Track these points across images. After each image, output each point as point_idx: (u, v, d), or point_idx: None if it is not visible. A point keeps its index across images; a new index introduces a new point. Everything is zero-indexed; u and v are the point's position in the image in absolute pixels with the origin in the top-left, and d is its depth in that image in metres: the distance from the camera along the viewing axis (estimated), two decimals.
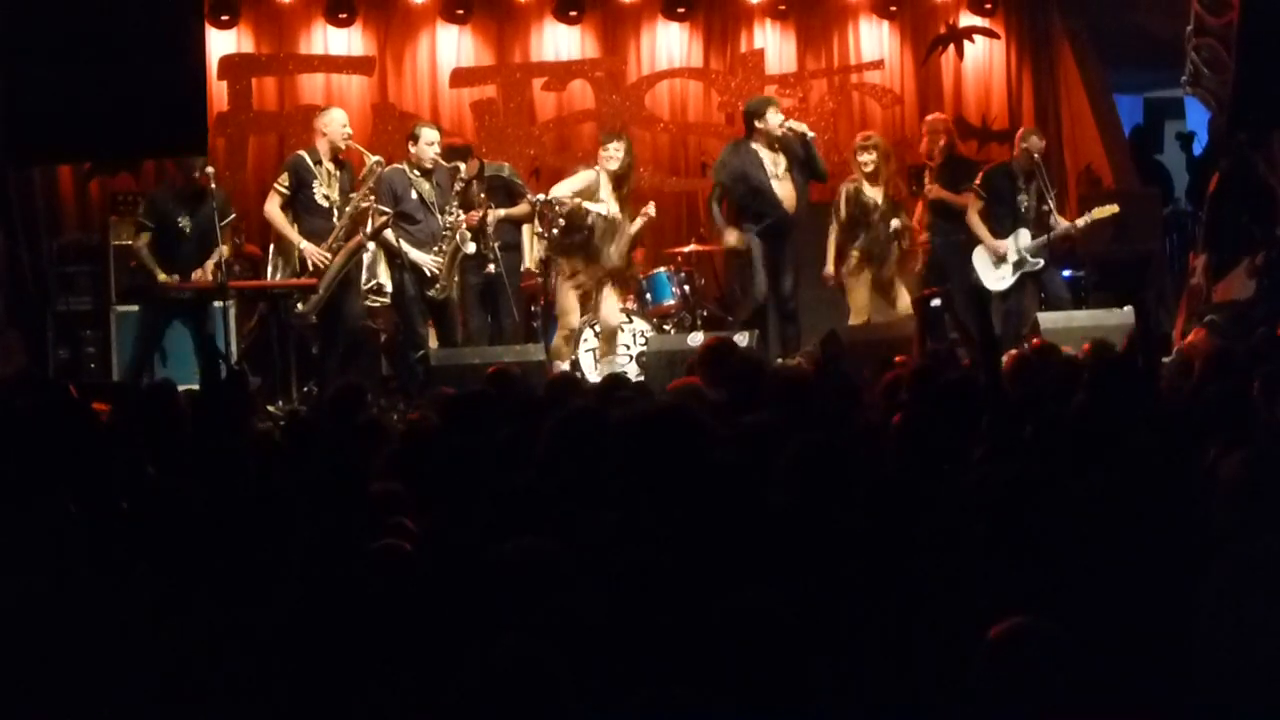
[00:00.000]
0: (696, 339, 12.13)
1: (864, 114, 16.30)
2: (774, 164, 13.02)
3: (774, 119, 12.98)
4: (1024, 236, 13.37)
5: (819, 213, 13.99)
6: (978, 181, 13.77)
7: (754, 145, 13.06)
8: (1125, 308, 13.11)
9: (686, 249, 14.12)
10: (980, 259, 13.57)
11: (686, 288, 13.69)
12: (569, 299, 12.67)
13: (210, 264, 12.01)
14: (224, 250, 12.02)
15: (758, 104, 13.36)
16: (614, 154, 12.66)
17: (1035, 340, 12.41)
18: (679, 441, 5.47)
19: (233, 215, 12.29)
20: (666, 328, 13.50)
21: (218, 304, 12.34)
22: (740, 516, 5.02)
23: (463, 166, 12.51)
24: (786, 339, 13.03)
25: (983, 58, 16.63)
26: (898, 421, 6.51)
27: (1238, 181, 13.67)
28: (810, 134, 13.11)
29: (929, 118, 14.47)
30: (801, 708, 3.70)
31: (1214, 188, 13.75)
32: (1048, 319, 12.81)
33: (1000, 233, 13.47)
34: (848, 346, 11.42)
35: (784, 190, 13.02)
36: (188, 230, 12.02)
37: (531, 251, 13.27)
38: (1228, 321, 12.72)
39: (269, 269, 13.00)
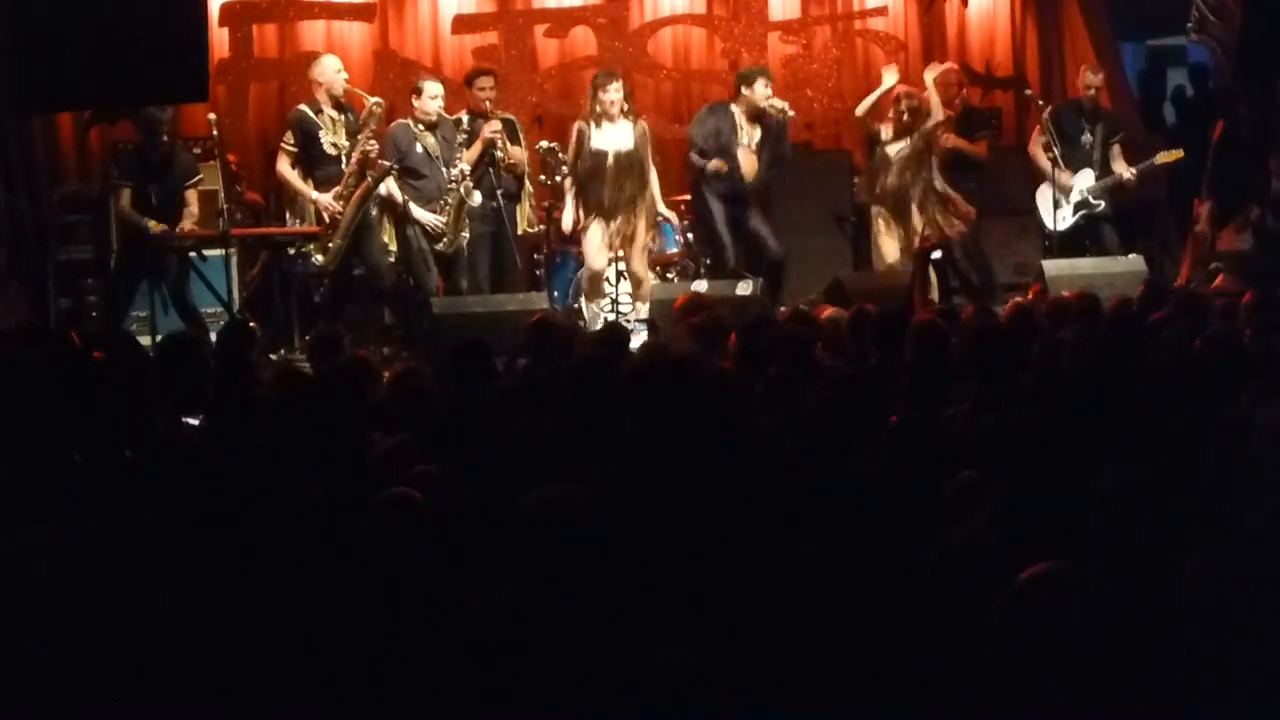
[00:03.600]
0: (700, 287, 12.12)
1: (868, 61, 16.19)
2: (748, 134, 13.01)
3: (760, 90, 12.94)
4: (1086, 176, 13.31)
5: (830, 159, 14.02)
6: (1047, 114, 13.73)
7: (734, 109, 13.04)
8: (1131, 255, 13.10)
9: (689, 197, 14.06)
10: (1043, 198, 13.56)
11: (690, 236, 13.65)
12: (593, 239, 12.58)
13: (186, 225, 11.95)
14: (194, 210, 11.98)
15: (751, 73, 13.34)
16: (615, 95, 12.59)
17: (1034, 288, 12.46)
18: (689, 393, 5.45)
19: (199, 176, 12.19)
20: (670, 276, 13.47)
21: (218, 252, 12.30)
22: (752, 467, 5.02)
23: (465, 118, 12.45)
24: (774, 289, 12.94)
25: (987, 4, 16.53)
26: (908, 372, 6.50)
27: (1242, 129, 13.64)
28: (790, 113, 13.05)
29: (942, 69, 14.31)
30: (818, 664, 3.69)
31: (1218, 135, 13.71)
32: (1052, 266, 12.75)
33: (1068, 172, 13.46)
34: (851, 295, 11.43)
35: (746, 160, 12.98)
36: (153, 200, 11.94)
37: (524, 209, 13.16)
38: (1231, 270, 12.73)
39: (289, 222, 12.99)
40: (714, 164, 12.81)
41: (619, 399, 5.68)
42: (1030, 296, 11.62)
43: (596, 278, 12.69)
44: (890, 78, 13.41)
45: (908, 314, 8.61)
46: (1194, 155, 13.82)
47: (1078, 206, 13.36)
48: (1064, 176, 13.32)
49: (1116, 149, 13.63)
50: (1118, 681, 3.58)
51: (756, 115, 12.96)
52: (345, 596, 4.32)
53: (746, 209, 13.04)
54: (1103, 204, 13.38)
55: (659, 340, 10.36)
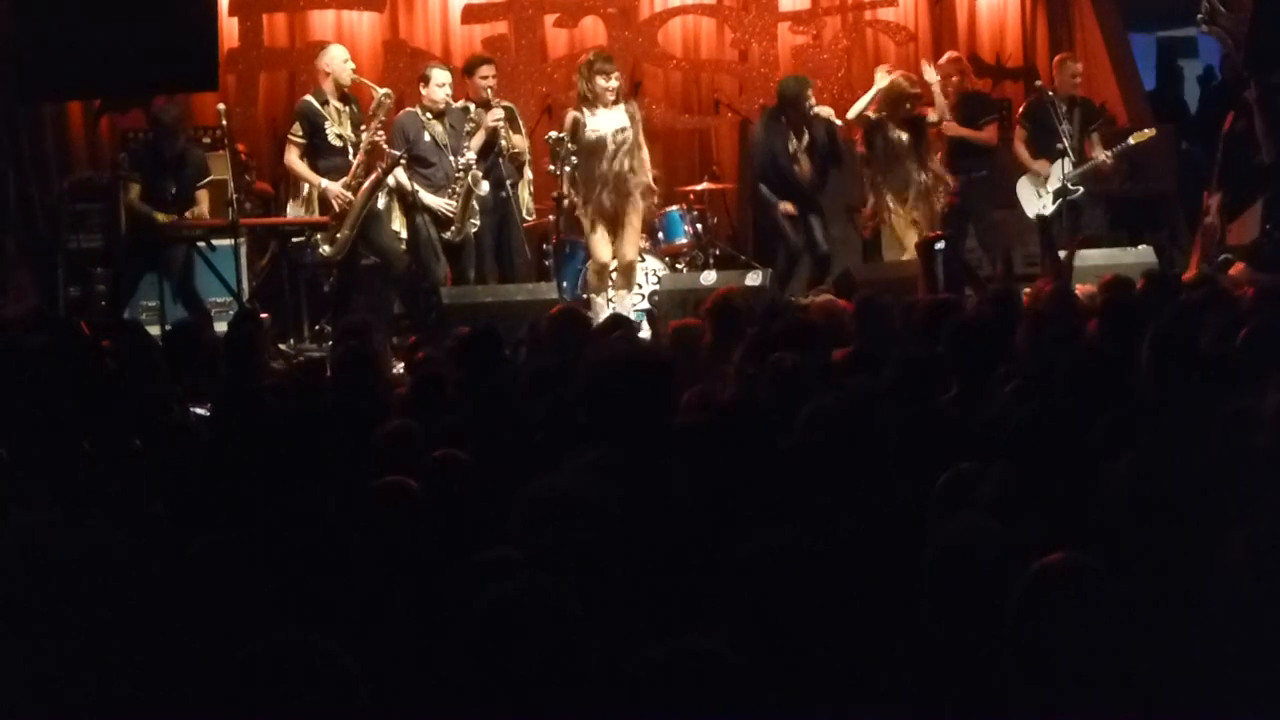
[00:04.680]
0: (709, 278, 12.13)
1: (877, 51, 16.18)
2: (795, 143, 13.26)
3: (807, 104, 13.15)
4: (1066, 165, 13.32)
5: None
6: (1021, 111, 13.83)
7: (784, 122, 13.26)
8: (1140, 246, 13.09)
9: (699, 187, 14.07)
10: (1024, 187, 13.61)
11: (699, 226, 13.66)
12: (596, 232, 12.60)
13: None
14: (203, 209, 12.04)
15: (796, 88, 13.39)
16: (615, 84, 12.58)
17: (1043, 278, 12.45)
18: (646, 386, 5.45)
19: (210, 177, 12.21)
20: (679, 266, 13.48)
21: (228, 241, 12.30)
22: (755, 458, 5.02)
23: (473, 108, 12.46)
24: (814, 280, 13.06)
25: None
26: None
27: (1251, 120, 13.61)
28: (837, 121, 13.22)
29: (941, 60, 14.32)
30: (818, 651, 3.69)
31: (1228, 126, 13.68)
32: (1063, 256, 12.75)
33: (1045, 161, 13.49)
34: (860, 286, 11.41)
35: (803, 167, 13.29)
36: (166, 196, 11.97)
37: (524, 197, 13.15)
38: (1243, 261, 12.69)
39: (290, 213, 13.00)
40: (784, 206, 13.19)
41: (581, 395, 5.68)
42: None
43: (602, 270, 12.70)
44: (881, 79, 13.46)
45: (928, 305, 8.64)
46: (1208, 145, 13.83)
47: (1056, 194, 13.37)
48: (1068, 165, 13.32)
49: (1095, 137, 13.67)
50: (1129, 673, 3.57)
51: (802, 122, 13.17)
52: (352, 585, 4.32)
53: (807, 204, 13.29)
54: (1081, 190, 13.41)
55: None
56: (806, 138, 13.25)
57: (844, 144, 13.49)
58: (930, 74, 13.60)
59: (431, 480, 4.98)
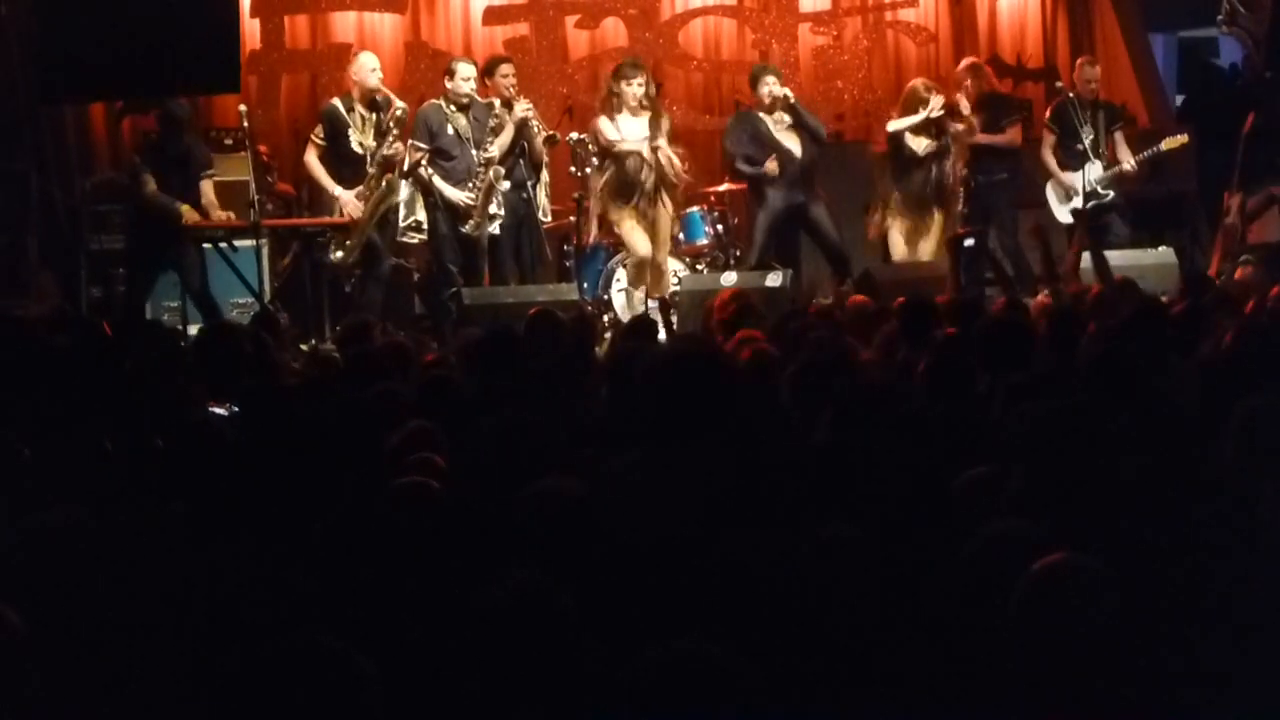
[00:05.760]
0: (730, 279, 12.12)
1: (898, 52, 16.20)
2: (776, 121, 13.03)
3: (762, 89, 12.99)
4: (1094, 169, 13.26)
5: (851, 151, 13.98)
6: (1048, 114, 13.80)
7: (755, 111, 13.12)
8: (1161, 248, 13.06)
9: (720, 188, 14.06)
10: (1052, 192, 13.55)
11: (720, 227, 13.65)
12: (636, 231, 12.58)
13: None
14: (211, 198, 12.05)
15: (754, 72, 13.40)
16: (638, 90, 12.58)
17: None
18: (702, 383, 5.44)
19: (213, 169, 12.21)
20: (700, 267, 13.47)
21: (250, 242, 12.33)
22: (767, 457, 5.02)
23: (497, 104, 12.46)
24: (837, 278, 12.99)
25: None
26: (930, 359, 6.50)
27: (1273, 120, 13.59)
28: (792, 99, 13.02)
29: (958, 68, 14.22)
30: (828, 655, 3.69)
31: (1248, 127, 13.66)
32: (1084, 257, 12.73)
33: (1071, 166, 13.40)
34: (881, 286, 11.42)
35: (790, 140, 13.01)
36: (175, 192, 12.01)
37: (541, 199, 13.14)
38: (1263, 262, 12.68)
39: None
40: (770, 165, 12.82)
41: (640, 386, 5.67)
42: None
43: (642, 265, 12.67)
44: (936, 103, 13.26)
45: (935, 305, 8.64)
46: (1228, 146, 13.79)
47: (1087, 197, 13.30)
48: (1095, 169, 13.26)
49: (1119, 137, 13.59)
50: (1130, 673, 3.58)
51: (775, 106, 12.99)
52: (367, 586, 4.33)
53: (807, 196, 13.06)
54: (1111, 194, 13.34)
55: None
56: (786, 118, 12.98)
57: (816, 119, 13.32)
58: (936, 102, 13.30)
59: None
